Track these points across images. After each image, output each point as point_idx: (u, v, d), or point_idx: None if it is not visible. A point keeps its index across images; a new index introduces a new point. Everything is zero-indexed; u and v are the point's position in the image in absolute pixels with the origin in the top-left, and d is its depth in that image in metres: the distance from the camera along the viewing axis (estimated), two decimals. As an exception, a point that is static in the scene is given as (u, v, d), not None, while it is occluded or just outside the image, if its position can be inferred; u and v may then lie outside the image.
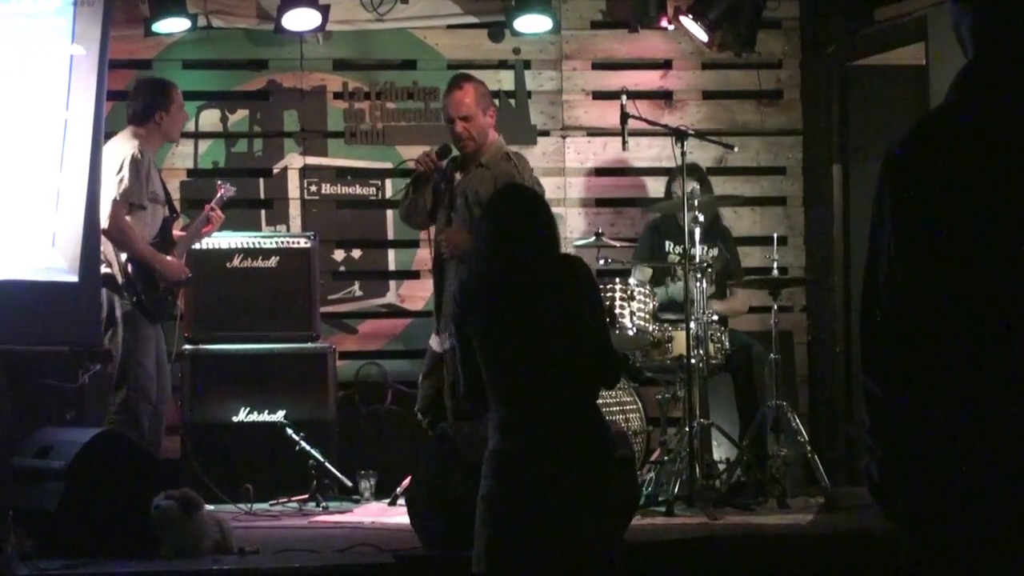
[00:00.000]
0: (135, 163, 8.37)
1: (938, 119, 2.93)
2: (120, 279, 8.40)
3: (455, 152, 8.43)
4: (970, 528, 2.78)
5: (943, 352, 2.78)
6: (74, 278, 8.10)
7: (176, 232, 8.78)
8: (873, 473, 2.93)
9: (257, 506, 8.40)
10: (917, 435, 2.82)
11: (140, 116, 8.64)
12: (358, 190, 10.16)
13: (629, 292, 8.40)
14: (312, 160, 10.18)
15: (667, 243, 9.16)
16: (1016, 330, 2.76)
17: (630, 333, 8.34)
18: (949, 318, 2.78)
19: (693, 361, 8.14)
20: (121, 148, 8.45)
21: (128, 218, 8.37)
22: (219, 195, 8.88)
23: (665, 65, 10.50)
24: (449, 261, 8.17)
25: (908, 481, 2.86)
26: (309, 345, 9.31)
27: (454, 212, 8.26)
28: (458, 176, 8.35)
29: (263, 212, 10.10)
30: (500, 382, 5.12)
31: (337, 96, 10.22)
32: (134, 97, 8.80)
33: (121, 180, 8.33)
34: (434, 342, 8.33)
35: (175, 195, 9.48)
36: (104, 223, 8.24)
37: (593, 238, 8.91)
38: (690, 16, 10.03)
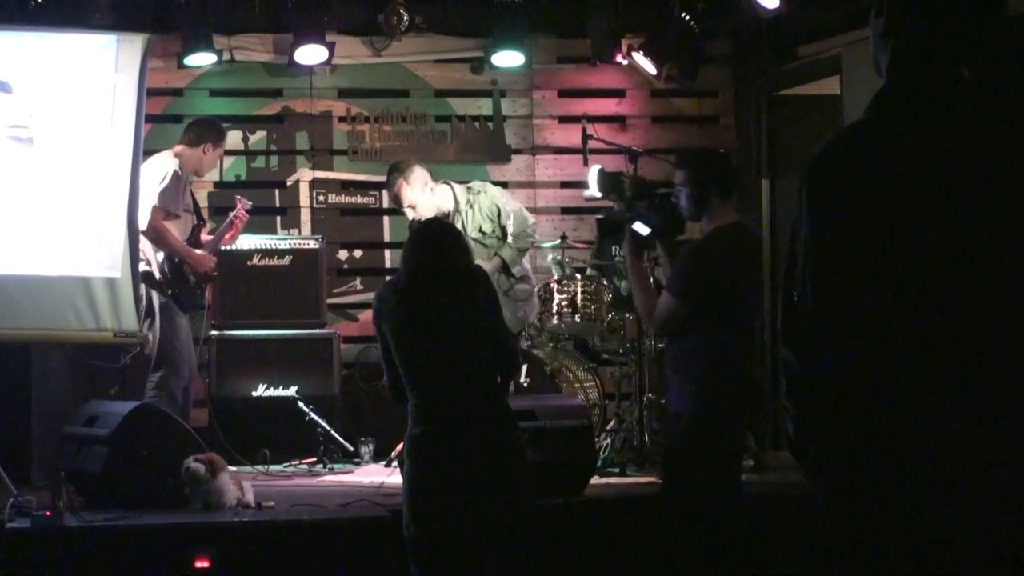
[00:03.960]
0: (176, 177, 8.39)
1: (851, 133, 2.94)
2: (157, 275, 8.40)
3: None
4: (874, 479, 2.78)
5: (848, 327, 2.78)
6: (117, 274, 8.07)
7: (203, 236, 8.77)
8: (790, 432, 2.94)
9: (272, 468, 8.38)
10: (826, 398, 2.82)
11: (192, 141, 8.68)
12: (359, 200, 10.14)
13: (592, 286, 8.40)
14: (320, 174, 10.15)
15: (615, 247, 9.14)
16: (911, 305, 2.77)
17: (588, 321, 8.36)
18: (853, 297, 2.78)
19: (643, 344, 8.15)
20: (165, 163, 8.46)
21: (165, 223, 8.37)
22: (239, 206, 8.86)
23: (620, 94, 10.49)
24: None
25: (819, 439, 2.86)
26: (317, 331, 9.29)
27: None
28: None
29: (278, 218, 10.06)
30: (411, 374, 5.13)
31: (342, 120, 10.19)
32: (196, 124, 8.90)
33: (164, 190, 8.34)
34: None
35: (203, 203, 9.47)
36: (143, 226, 8.22)
37: (559, 240, 8.91)
38: (641, 52, 10.02)
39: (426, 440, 5.07)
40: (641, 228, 5.85)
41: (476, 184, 8.83)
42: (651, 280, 6.67)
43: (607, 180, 7.89)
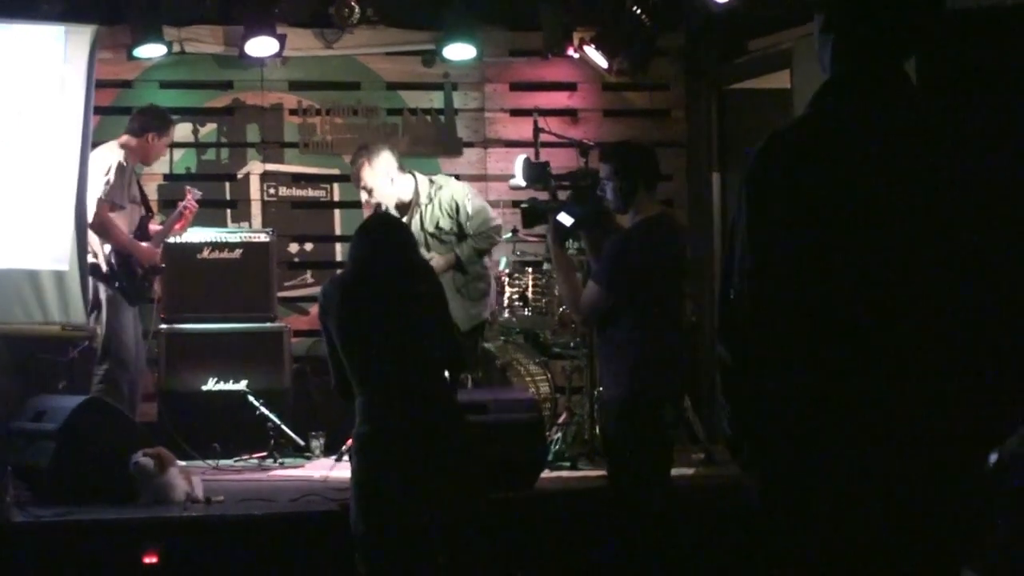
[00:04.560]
0: (120, 169, 8.34)
1: (792, 128, 2.97)
2: (104, 268, 8.35)
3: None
4: (807, 472, 2.82)
5: (783, 322, 2.81)
6: (65, 267, 8.04)
7: (152, 227, 8.72)
8: (725, 428, 2.97)
9: (222, 462, 8.34)
10: (759, 395, 2.85)
11: (137, 130, 8.60)
12: (310, 193, 10.10)
13: (543, 280, 8.40)
14: (271, 167, 10.11)
15: (568, 240, 9.13)
16: (846, 299, 2.80)
17: (539, 315, 8.38)
18: (789, 292, 2.81)
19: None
20: (109, 155, 8.40)
21: (111, 215, 8.32)
22: (188, 198, 8.80)
23: (571, 87, 10.50)
24: None
25: (753, 435, 2.90)
26: (267, 325, 9.25)
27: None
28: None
29: (228, 211, 10.01)
30: (357, 371, 5.13)
31: (293, 112, 10.16)
32: (141, 113, 8.78)
33: (107, 182, 8.28)
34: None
35: (153, 196, 9.42)
36: (89, 219, 8.17)
37: (510, 234, 8.91)
38: (593, 46, 10.03)
39: (373, 439, 5.07)
40: (565, 218, 5.94)
41: (439, 178, 8.74)
42: (577, 271, 6.74)
43: (533, 169, 7.97)
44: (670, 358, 5.84)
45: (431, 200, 8.47)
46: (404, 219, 8.33)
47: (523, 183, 8.14)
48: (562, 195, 7.46)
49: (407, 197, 8.50)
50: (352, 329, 5.11)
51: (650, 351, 5.71)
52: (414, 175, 8.59)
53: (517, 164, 8.18)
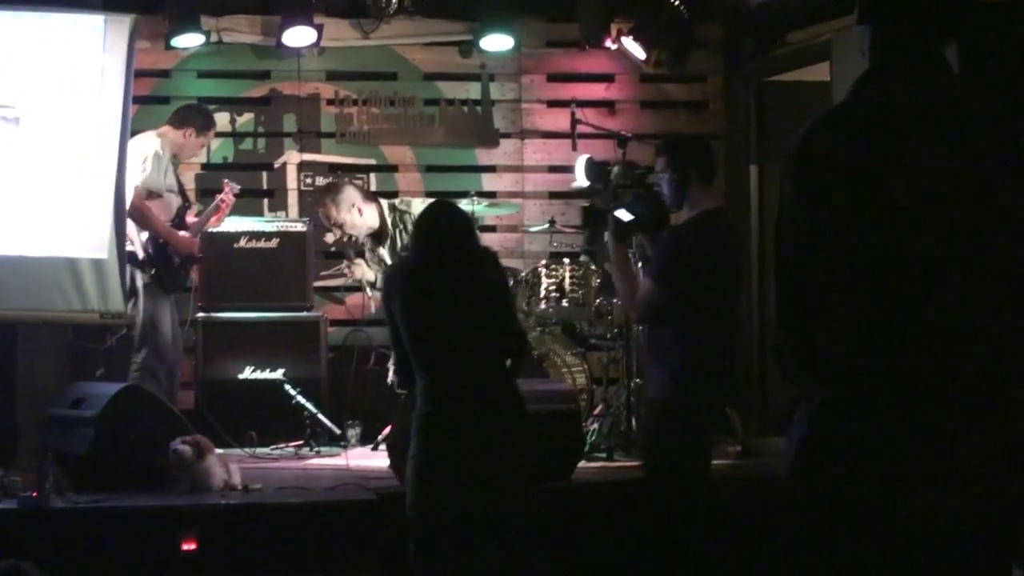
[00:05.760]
0: (157, 157, 8.41)
1: (839, 110, 2.99)
2: (141, 255, 8.41)
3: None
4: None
5: (833, 303, 2.83)
6: (104, 255, 8.08)
7: (189, 218, 8.77)
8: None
9: (259, 450, 8.38)
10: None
11: (177, 123, 8.74)
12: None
13: (581, 271, 8.41)
14: (308, 157, 10.14)
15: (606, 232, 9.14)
16: (896, 291, 2.81)
17: (576, 306, 8.39)
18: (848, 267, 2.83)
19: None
20: (146, 144, 8.47)
21: (147, 203, 8.38)
22: (226, 190, 8.87)
23: (609, 79, 10.49)
24: None
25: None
26: (304, 314, 9.30)
27: None
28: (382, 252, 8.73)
29: (265, 201, 10.06)
30: (420, 355, 5.17)
31: (329, 102, 10.18)
32: (185, 108, 8.96)
33: (144, 171, 8.35)
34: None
35: (190, 186, 9.48)
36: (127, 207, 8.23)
37: (547, 225, 8.93)
38: (631, 37, 10.03)
39: (435, 419, 5.10)
40: (624, 215, 5.90)
41: (402, 202, 8.82)
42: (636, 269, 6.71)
43: (594, 169, 7.93)
44: (715, 362, 5.72)
45: (396, 225, 8.59)
46: (381, 246, 8.52)
47: (585, 183, 8.13)
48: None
49: (377, 224, 8.61)
50: (417, 313, 5.16)
51: (695, 355, 5.60)
52: (378, 203, 8.68)
53: (579, 164, 8.15)
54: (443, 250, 5.26)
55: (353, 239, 8.69)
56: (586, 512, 6.79)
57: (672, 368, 5.62)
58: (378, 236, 8.63)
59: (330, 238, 9.98)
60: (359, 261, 8.82)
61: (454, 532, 5.11)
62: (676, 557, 5.74)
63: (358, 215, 8.56)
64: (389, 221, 8.63)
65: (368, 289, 8.83)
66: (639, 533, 6.43)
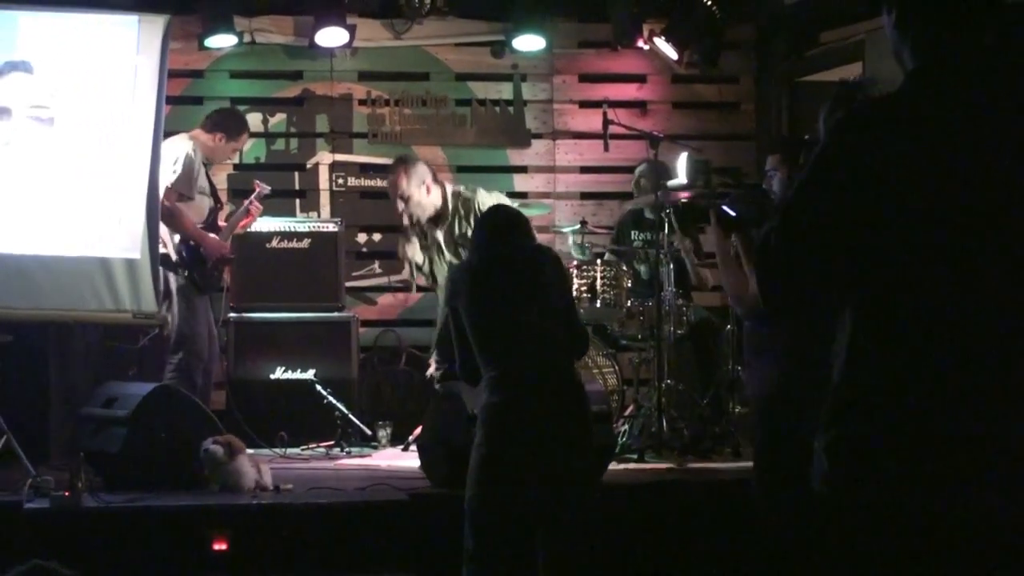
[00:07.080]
0: (188, 159, 8.43)
1: (880, 101, 2.98)
2: (174, 257, 8.43)
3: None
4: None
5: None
6: (136, 255, 8.10)
7: (220, 221, 8.79)
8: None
9: (290, 451, 8.40)
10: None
11: (209, 127, 8.75)
12: (379, 183, 10.10)
13: (612, 272, 8.40)
14: (340, 157, 10.18)
15: (633, 232, 9.15)
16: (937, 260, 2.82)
17: (607, 307, 8.37)
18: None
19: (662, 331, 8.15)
20: (179, 146, 8.49)
21: (179, 204, 8.40)
22: (256, 191, 8.89)
23: (641, 79, 10.49)
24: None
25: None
26: (335, 314, 9.31)
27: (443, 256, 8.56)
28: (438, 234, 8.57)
29: (297, 201, 10.09)
30: (488, 349, 5.23)
31: (362, 103, 10.21)
32: (219, 112, 8.99)
33: (175, 172, 8.37)
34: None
35: (222, 186, 9.51)
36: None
37: (579, 226, 8.91)
38: (663, 38, 10.03)
39: (502, 409, 5.15)
40: (730, 210, 5.91)
41: (465, 189, 8.76)
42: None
43: (696, 166, 7.97)
44: (817, 362, 5.67)
45: (459, 211, 8.55)
46: (439, 229, 8.47)
47: (685, 180, 8.15)
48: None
49: (440, 205, 8.57)
50: (484, 311, 5.25)
51: (798, 354, 5.56)
52: (443, 186, 8.66)
53: (680, 161, 8.16)
54: (505, 250, 5.37)
55: (414, 218, 8.56)
56: (617, 513, 6.78)
57: (774, 366, 5.58)
58: (436, 219, 8.57)
59: (362, 238, 10.01)
60: (413, 239, 8.71)
61: (512, 522, 5.14)
62: (713, 560, 5.72)
63: (426, 193, 8.51)
64: (451, 206, 8.58)
65: (413, 271, 8.76)
66: (670, 534, 6.42)
